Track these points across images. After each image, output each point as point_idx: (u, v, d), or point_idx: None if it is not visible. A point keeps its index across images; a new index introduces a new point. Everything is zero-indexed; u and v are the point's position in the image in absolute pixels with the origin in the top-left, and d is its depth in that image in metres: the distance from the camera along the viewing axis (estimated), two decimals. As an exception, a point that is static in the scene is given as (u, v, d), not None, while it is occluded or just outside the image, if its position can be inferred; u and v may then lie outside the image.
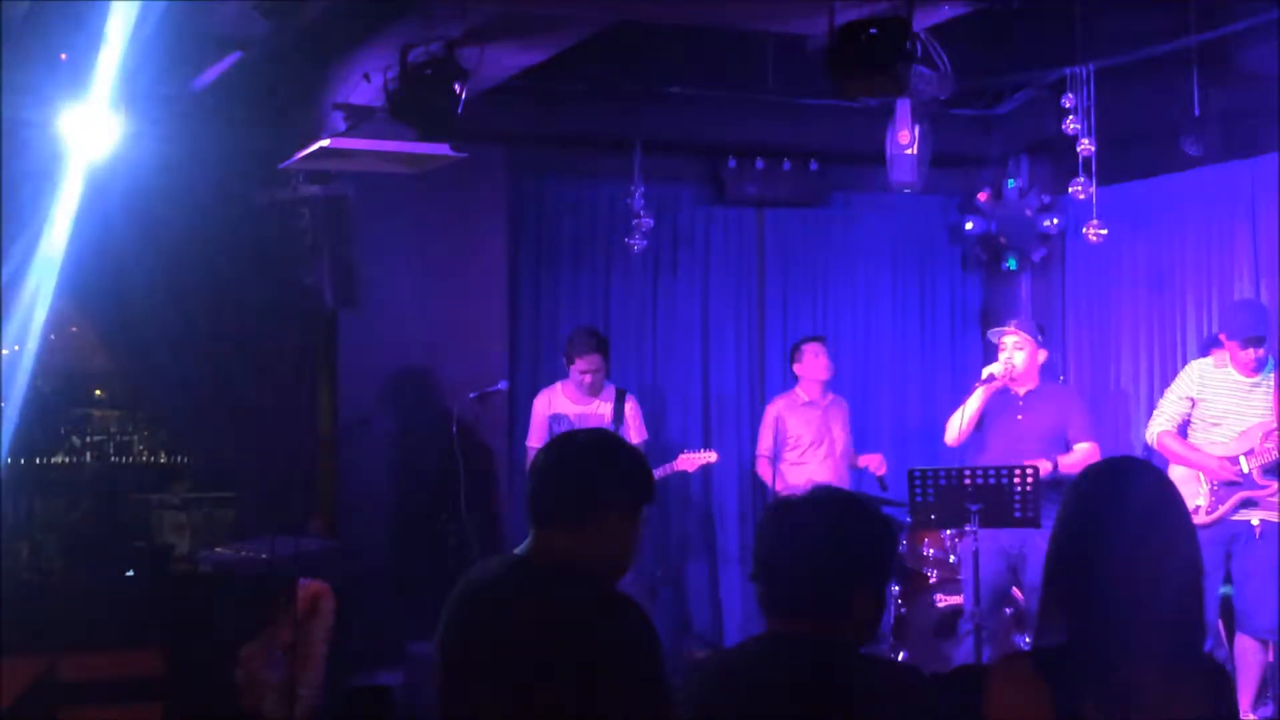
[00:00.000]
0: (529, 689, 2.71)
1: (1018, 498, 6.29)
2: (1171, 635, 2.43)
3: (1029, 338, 6.83)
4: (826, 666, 2.56)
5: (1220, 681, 2.49)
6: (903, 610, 7.40)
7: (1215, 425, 6.55)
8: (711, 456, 7.66)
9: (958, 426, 6.89)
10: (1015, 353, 6.81)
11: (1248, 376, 6.49)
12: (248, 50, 6.47)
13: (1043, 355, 6.93)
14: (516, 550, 2.93)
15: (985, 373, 6.85)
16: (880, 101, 6.85)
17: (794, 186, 8.94)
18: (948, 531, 7.33)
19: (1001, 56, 8.22)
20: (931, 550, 7.48)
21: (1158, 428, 6.68)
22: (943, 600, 7.33)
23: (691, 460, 7.58)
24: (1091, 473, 2.64)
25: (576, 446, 3.09)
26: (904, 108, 6.84)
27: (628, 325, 8.75)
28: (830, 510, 2.68)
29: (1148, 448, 6.83)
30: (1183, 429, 6.65)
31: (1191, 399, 6.60)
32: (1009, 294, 9.27)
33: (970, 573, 6.39)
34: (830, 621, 2.58)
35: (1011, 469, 6.33)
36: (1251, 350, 6.42)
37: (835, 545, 2.61)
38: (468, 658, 2.85)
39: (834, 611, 2.58)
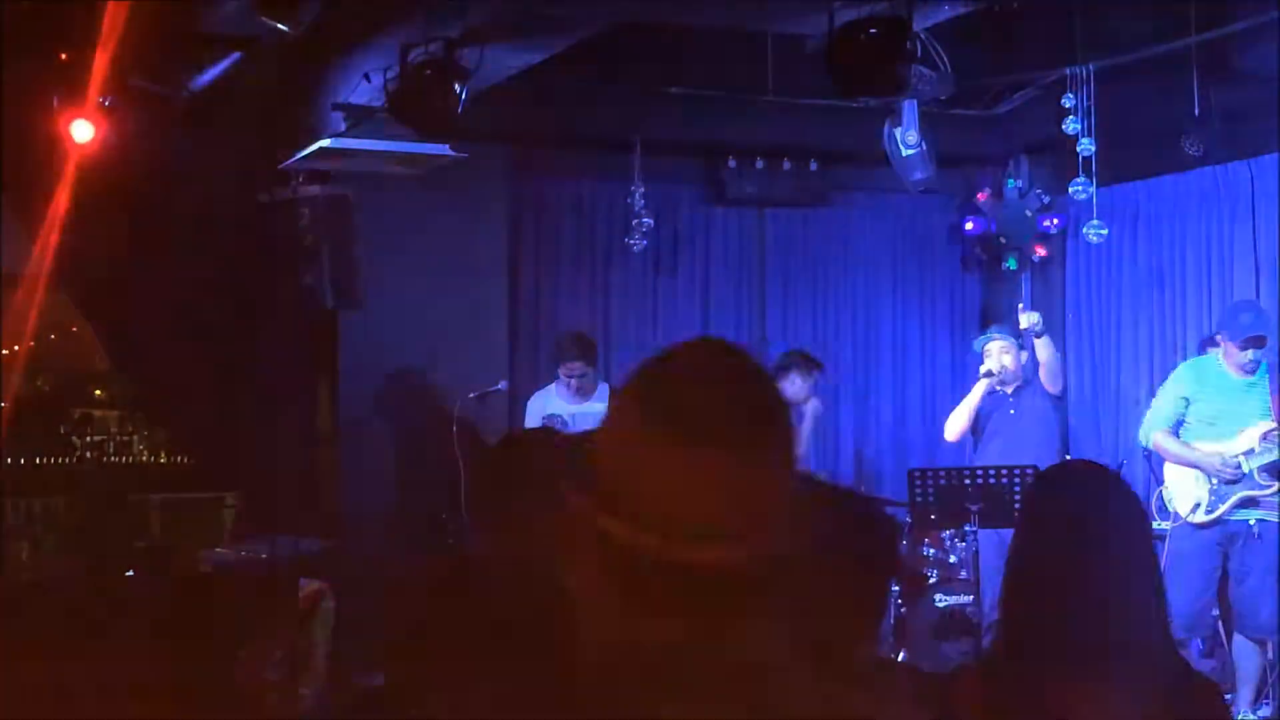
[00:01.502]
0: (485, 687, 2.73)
1: (1018, 497, 6.32)
2: (1117, 643, 2.34)
3: (1012, 342, 7.37)
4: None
5: (1197, 695, 2.40)
6: (903, 610, 7.39)
7: (1211, 425, 6.57)
8: None
9: (959, 423, 7.44)
10: (1003, 356, 7.33)
11: (1243, 377, 6.52)
12: (248, 50, 6.47)
13: (1024, 356, 7.43)
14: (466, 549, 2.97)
15: (983, 369, 7.37)
16: (880, 101, 6.85)
17: (794, 186, 8.94)
18: (948, 531, 7.35)
19: (1001, 56, 8.22)
20: (931, 550, 7.49)
21: (1153, 428, 6.73)
22: (943, 600, 7.33)
23: None
24: (1039, 481, 2.59)
25: (523, 444, 3.15)
26: (911, 108, 6.84)
27: (628, 325, 8.74)
28: (838, 508, 2.67)
29: (1145, 449, 6.86)
30: (1175, 429, 6.69)
31: (1187, 399, 6.64)
32: (1009, 294, 9.26)
33: (974, 573, 6.49)
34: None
35: (1011, 469, 6.39)
36: (1251, 351, 6.45)
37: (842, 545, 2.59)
38: (422, 654, 2.87)
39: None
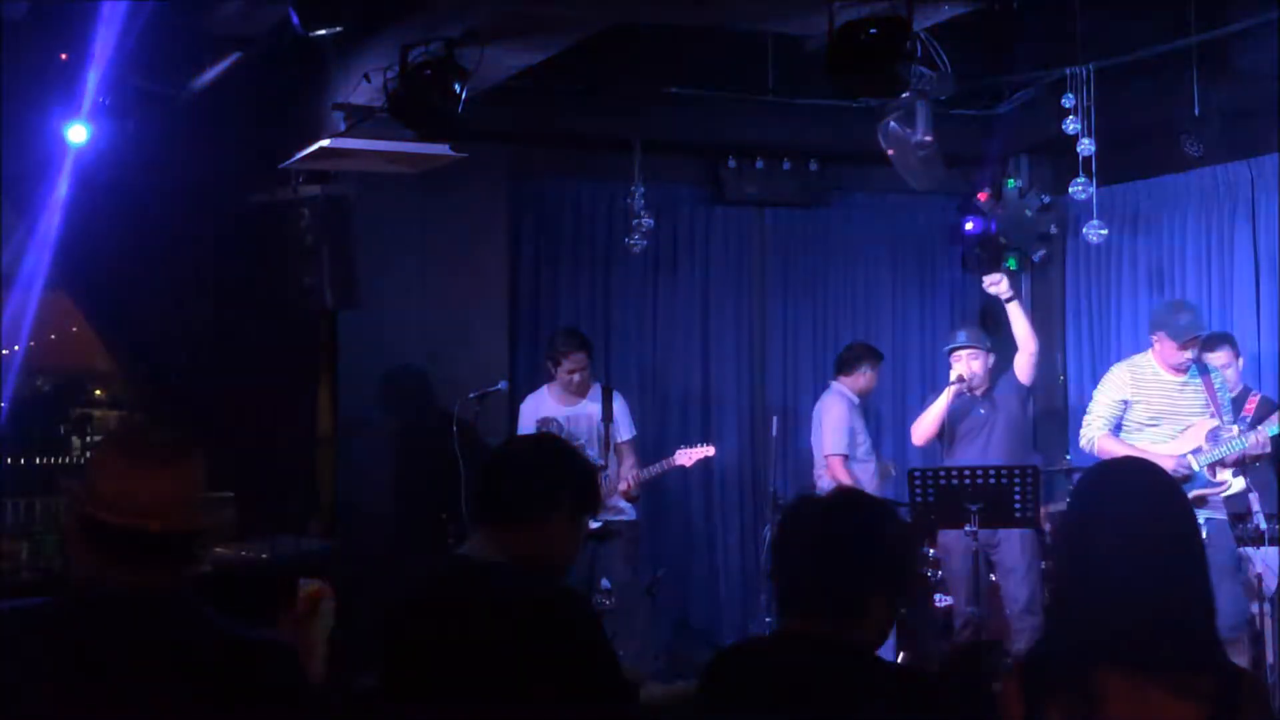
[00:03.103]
0: (474, 686, 2.74)
1: (1018, 497, 6.33)
2: (1163, 639, 2.38)
3: (979, 349, 7.32)
4: (839, 668, 2.56)
5: (1243, 690, 2.40)
6: (903, 610, 7.40)
7: (1152, 426, 6.65)
8: (709, 451, 7.66)
9: (926, 428, 7.41)
10: (971, 363, 7.29)
11: (1178, 376, 6.58)
12: (248, 50, 6.47)
13: (991, 359, 7.41)
14: (460, 549, 2.98)
15: (952, 375, 7.33)
16: (880, 101, 6.84)
17: (794, 186, 8.94)
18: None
19: (1001, 56, 8.22)
20: (931, 550, 7.49)
21: (1094, 432, 6.78)
22: (943, 600, 7.34)
23: (689, 455, 7.57)
24: (1089, 475, 2.64)
25: (525, 448, 3.18)
26: (924, 109, 6.81)
27: (628, 325, 8.74)
28: (853, 512, 2.68)
29: (1087, 454, 6.88)
30: (1115, 431, 6.74)
31: (1125, 401, 6.70)
32: (1009, 294, 9.25)
33: (955, 572, 6.54)
34: (845, 623, 2.57)
35: (1012, 469, 6.41)
36: (1190, 351, 6.53)
37: (857, 548, 2.60)
38: (413, 656, 2.88)
39: (850, 613, 2.58)
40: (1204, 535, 6.44)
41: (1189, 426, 6.58)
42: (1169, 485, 2.56)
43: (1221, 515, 6.48)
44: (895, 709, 2.51)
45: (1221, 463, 6.49)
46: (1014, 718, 2.42)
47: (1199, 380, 6.61)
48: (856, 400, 7.92)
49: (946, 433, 7.36)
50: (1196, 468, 6.48)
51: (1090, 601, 2.42)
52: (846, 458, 7.78)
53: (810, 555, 2.62)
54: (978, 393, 7.32)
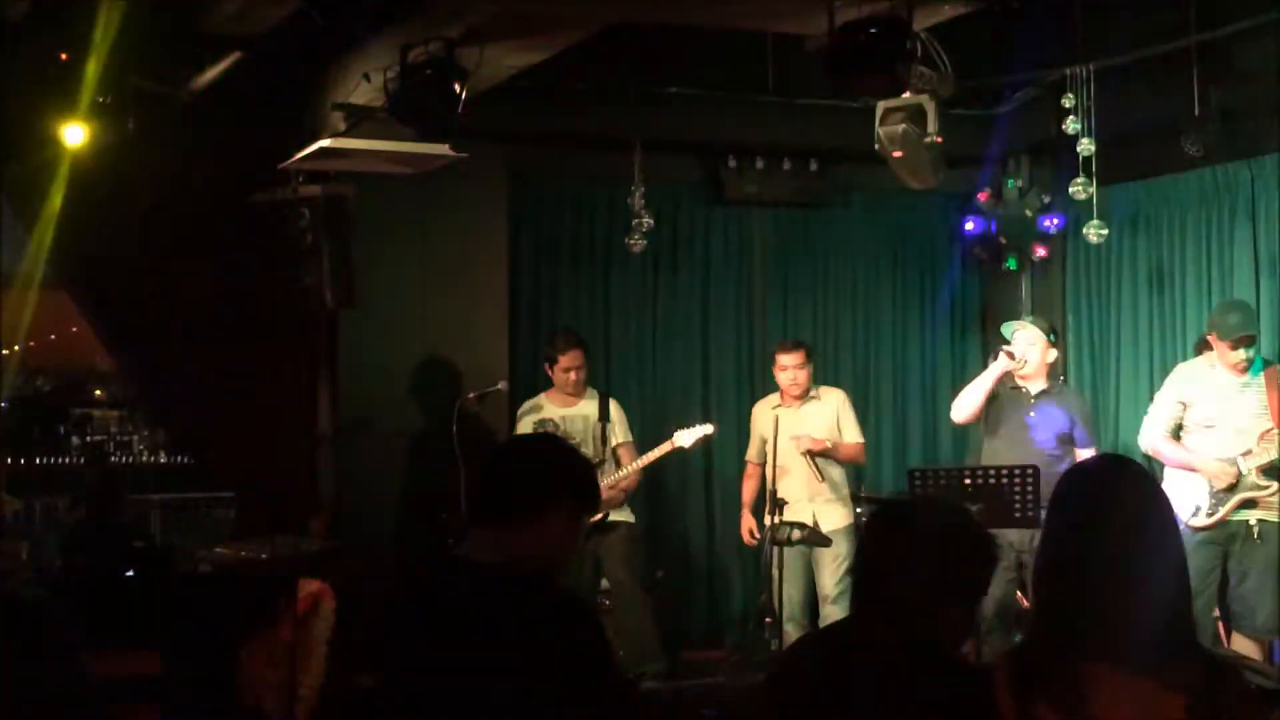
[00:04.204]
0: (474, 687, 2.74)
1: (1017, 497, 6.33)
2: (1147, 634, 2.41)
3: (1041, 334, 7.01)
4: (909, 668, 2.58)
5: (1226, 680, 2.44)
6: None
7: (1209, 427, 6.60)
8: (708, 430, 7.62)
9: (970, 403, 7.05)
10: (1029, 348, 6.97)
11: (1237, 377, 6.55)
12: (248, 50, 6.48)
13: (1053, 354, 7.07)
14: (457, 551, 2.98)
15: (1005, 349, 7.00)
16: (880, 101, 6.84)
17: (794, 186, 8.93)
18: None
19: (1001, 56, 8.22)
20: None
21: (1151, 434, 6.76)
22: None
23: (688, 435, 7.53)
24: (1071, 474, 2.71)
25: (523, 447, 3.19)
26: (932, 109, 6.78)
27: (628, 325, 8.74)
28: (938, 521, 2.75)
29: (1145, 455, 6.86)
30: (1175, 433, 6.72)
31: (1183, 403, 6.67)
32: (1009, 294, 9.26)
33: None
34: (915, 627, 2.61)
35: (1012, 469, 6.40)
36: (1243, 351, 6.49)
37: (935, 557, 2.65)
38: (411, 657, 2.88)
39: (921, 619, 2.61)
40: (1255, 536, 6.44)
41: (1241, 429, 6.53)
42: (1146, 481, 2.59)
43: (1273, 517, 6.45)
44: (956, 710, 2.54)
45: (1272, 466, 6.43)
46: (1003, 710, 2.44)
47: (1260, 379, 6.57)
48: (778, 403, 7.70)
49: (990, 423, 7.06)
50: (1245, 470, 6.47)
51: (1074, 596, 2.46)
52: (759, 466, 7.69)
53: (889, 560, 2.69)
54: (1032, 388, 6.96)
